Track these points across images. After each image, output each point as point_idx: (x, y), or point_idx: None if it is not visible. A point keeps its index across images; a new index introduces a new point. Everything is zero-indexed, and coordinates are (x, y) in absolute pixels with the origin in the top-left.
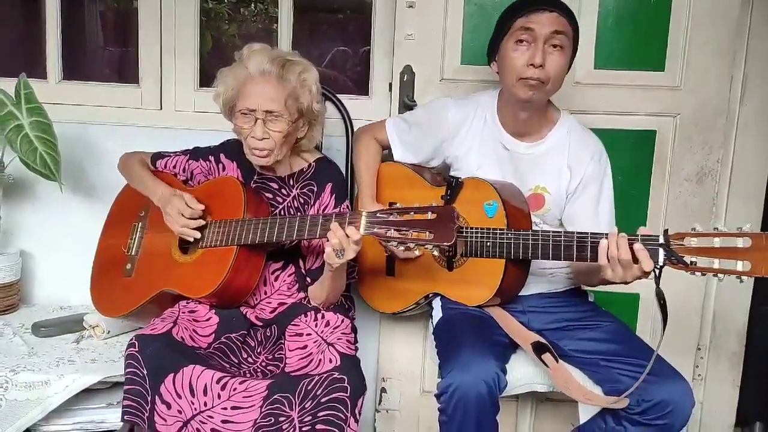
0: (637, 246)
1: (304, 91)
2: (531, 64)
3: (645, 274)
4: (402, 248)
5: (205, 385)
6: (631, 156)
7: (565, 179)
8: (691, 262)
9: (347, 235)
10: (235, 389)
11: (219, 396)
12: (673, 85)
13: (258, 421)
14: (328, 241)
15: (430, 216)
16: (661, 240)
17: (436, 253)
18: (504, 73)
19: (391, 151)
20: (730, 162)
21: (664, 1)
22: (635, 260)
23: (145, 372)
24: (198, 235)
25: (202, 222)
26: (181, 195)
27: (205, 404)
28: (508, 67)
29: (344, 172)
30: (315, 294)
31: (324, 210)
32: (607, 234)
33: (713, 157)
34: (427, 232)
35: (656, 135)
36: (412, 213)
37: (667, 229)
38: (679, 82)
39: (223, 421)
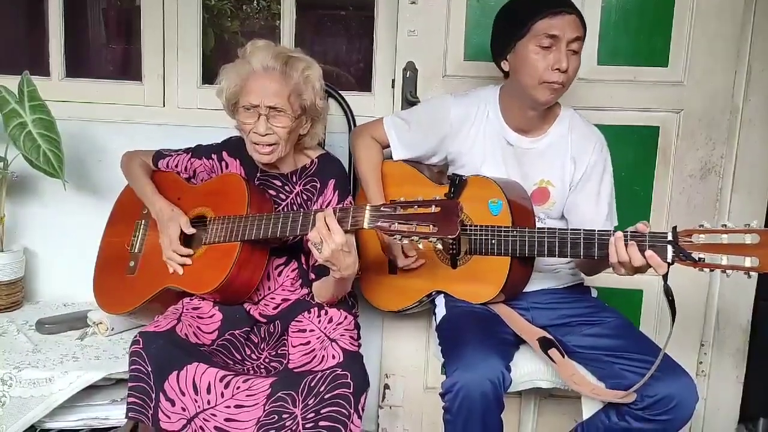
0: (649, 253)
1: (307, 88)
2: (557, 68)
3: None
4: (405, 241)
5: (209, 383)
6: (634, 152)
7: (569, 172)
8: (699, 259)
9: (328, 229)
10: (238, 388)
11: (222, 395)
12: (677, 81)
13: (261, 419)
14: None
15: (433, 209)
16: (670, 237)
17: (439, 246)
18: (522, 75)
19: (390, 150)
20: (733, 158)
21: None
22: (647, 266)
23: (149, 369)
24: (181, 271)
25: (188, 261)
26: (178, 220)
27: (209, 402)
28: (530, 70)
29: (347, 168)
30: (319, 292)
31: (327, 206)
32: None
33: (717, 152)
34: (431, 226)
35: (660, 131)
36: (415, 206)
37: (676, 227)
38: (683, 78)
39: (227, 420)
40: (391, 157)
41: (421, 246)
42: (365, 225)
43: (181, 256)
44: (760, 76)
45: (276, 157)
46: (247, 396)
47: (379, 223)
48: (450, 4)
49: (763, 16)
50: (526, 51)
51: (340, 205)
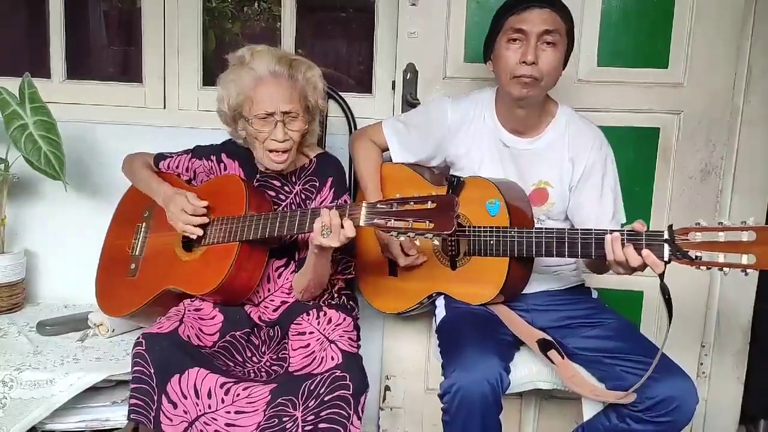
0: (645, 252)
1: (310, 89)
2: (523, 62)
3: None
4: (402, 238)
5: (210, 388)
6: (634, 153)
7: (568, 171)
8: (696, 257)
9: (342, 225)
10: (238, 395)
11: (223, 401)
12: (677, 82)
13: (262, 423)
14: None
15: (429, 205)
16: (666, 236)
17: (436, 242)
18: (498, 71)
19: (389, 153)
20: (734, 159)
21: None
22: (645, 265)
23: (152, 371)
24: (201, 232)
25: (205, 219)
26: (184, 193)
27: (210, 407)
28: (502, 66)
29: (347, 169)
30: (297, 281)
31: (323, 204)
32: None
33: (717, 154)
34: (427, 222)
35: (660, 132)
36: (411, 203)
37: (672, 225)
38: (683, 79)
39: (227, 424)
40: (390, 160)
41: (418, 243)
42: (362, 222)
43: (197, 216)
44: (760, 77)
45: (290, 162)
46: (247, 403)
47: (375, 221)
48: (450, 6)
49: (762, 18)
50: (500, 47)
51: (337, 202)
